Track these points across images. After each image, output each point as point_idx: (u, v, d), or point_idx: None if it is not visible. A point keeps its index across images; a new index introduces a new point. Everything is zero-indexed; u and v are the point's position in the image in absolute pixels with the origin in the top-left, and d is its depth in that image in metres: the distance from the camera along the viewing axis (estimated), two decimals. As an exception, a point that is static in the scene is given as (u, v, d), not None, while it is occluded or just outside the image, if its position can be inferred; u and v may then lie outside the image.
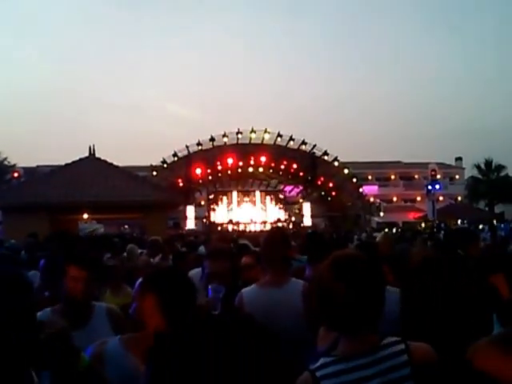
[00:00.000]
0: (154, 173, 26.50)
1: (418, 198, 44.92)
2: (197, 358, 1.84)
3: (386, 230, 16.28)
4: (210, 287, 2.25)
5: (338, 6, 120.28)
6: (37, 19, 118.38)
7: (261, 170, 28.64)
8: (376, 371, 1.49)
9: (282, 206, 30.75)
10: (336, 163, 29.04)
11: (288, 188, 33.22)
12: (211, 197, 30.22)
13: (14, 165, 34.39)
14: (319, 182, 29.65)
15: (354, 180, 30.29)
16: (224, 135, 27.75)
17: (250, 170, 28.75)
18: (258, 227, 27.69)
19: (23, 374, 1.66)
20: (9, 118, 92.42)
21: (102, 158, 18.99)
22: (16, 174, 25.57)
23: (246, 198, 30.33)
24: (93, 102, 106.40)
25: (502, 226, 23.12)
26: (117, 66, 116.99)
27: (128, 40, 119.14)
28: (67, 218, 17.73)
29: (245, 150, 28.08)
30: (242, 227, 27.60)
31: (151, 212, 17.20)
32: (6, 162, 36.82)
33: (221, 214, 29.50)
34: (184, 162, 27.70)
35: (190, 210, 28.34)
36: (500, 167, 39.61)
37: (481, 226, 21.96)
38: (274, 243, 2.94)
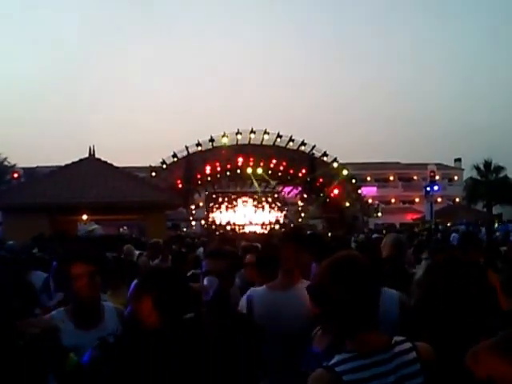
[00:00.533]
0: (154, 174, 26.49)
1: (417, 200, 44.97)
2: (194, 358, 1.90)
3: (384, 232, 16.33)
4: (205, 278, 2.31)
5: (338, 6, 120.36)
6: (37, 19, 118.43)
7: (260, 170, 28.69)
8: (391, 367, 1.56)
9: (280, 207, 30.79)
10: (335, 164, 29.04)
11: (287, 189, 33.25)
12: (211, 197, 30.27)
13: (14, 165, 34.39)
14: (318, 183, 29.70)
15: (353, 181, 30.34)
16: (223, 135, 27.81)
17: (249, 170, 28.78)
18: (256, 228, 27.73)
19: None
20: (9, 118, 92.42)
21: (102, 158, 19.04)
22: (16, 175, 25.56)
23: (245, 198, 30.37)
24: (93, 103, 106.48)
25: (496, 226, 23.15)
26: (117, 67, 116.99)
27: (128, 40, 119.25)
28: (67, 219, 17.76)
29: (244, 150, 28.13)
30: (240, 228, 27.64)
31: (150, 213, 17.25)
32: (5, 163, 36.82)
33: (220, 216, 29.52)
34: (183, 162, 27.72)
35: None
36: (499, 168, 39.62)
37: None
38: (287, 244, 2.88)
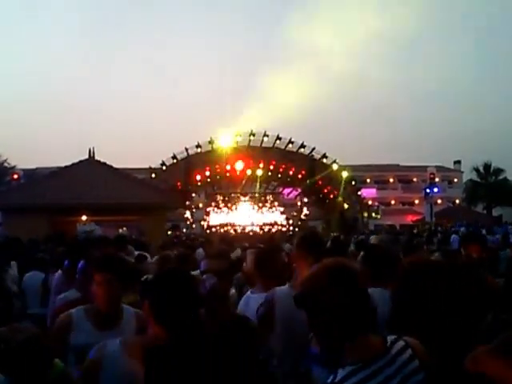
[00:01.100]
0: (153, 175, 26.51)
1: (416, 201, 44.94)
2: (193, 360, 1.89)
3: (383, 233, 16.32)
4: (204, 276, 2.32)
5: (338, 7, 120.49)
6: (37, 19, 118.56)
7: (259, 172, 28.68)
8: (394, 370, 1.57)
9: (280, 208, 30.77)
10: (335, 166, 29.04)
11: (286, 190, 33.24)
12: (211, 198, 30.26)
13: (14, 166, 34.37)
14: (317, 185, 29.68)
15: (353, 183, 30.33)
16: (223, 137, 27.73)
17: (249, 172, 28.77)
18: (256, 229, 27.71)
19: None
20: (9, 119, 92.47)
21: (102, 160, 19.05)
22: (15, 176, 25.54)
23: (245, 199, 30.35)
24: (92, 104, 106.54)
25: (495, 228, 23.10)
26: (117, 68, 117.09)
27: (129, 40, 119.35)
28: (66, 220, 17.75)
29: (244, 152, 28.15)
30: (240, 230, 27.62)
31: (150, 214, 17.24)
32: (5, 164, 36.82)
33: (219, 217, 29.51)
34: (183, 164, 27.73)
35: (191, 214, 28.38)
36: (498, 170, 39.70)
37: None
38: (308, 244, 2.86)
